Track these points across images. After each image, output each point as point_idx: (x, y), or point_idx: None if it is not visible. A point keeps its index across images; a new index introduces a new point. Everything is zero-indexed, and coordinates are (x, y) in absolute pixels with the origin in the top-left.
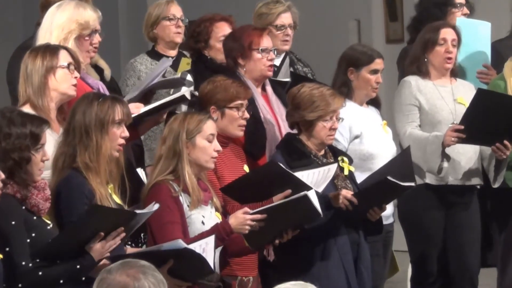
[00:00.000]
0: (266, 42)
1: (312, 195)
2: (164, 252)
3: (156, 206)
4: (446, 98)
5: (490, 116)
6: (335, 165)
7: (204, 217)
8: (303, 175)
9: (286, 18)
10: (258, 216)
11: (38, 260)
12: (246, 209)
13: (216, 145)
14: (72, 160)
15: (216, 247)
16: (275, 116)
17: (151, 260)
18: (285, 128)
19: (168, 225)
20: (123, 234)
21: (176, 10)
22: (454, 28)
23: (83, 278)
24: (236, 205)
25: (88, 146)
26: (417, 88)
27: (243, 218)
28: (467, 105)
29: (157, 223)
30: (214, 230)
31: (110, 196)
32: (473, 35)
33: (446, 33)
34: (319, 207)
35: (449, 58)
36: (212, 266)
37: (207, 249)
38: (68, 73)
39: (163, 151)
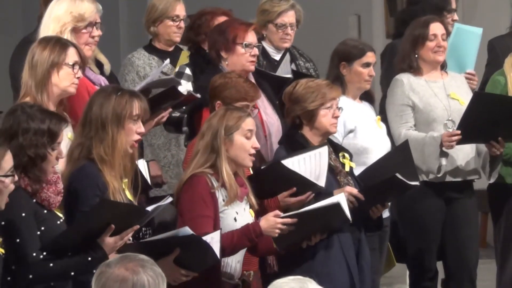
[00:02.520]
0: (250, 37)
1: (343, 202)
2: (171, 240)
3: (169, 199)
4: (439, 94)
5: (486, 116)
6: (325, 148)
7: (238, 213)
8: (294, 162)
9: (288, 17)
10: (289, 220)
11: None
12: (278, 212)
13: (254, 142)
14: (88, 152)
15: (243, 247)
16: (258, 109)
17: (158, 249)
18: (267, 122)
19: (200, 218)
20: (137, 226)
21: (180, 10)
22: (442, 22)
23: (94, 271)
24: (271, 200)
25: (104, 139)
26: (410, 86)
27: (274, 221)
28: (461, 100)
29: (189, 215)
30: (244, 230)
31: (123, 191)
32: (464, 41)
33: (436, 28)
34: (348, 214)
35: (441, 51)
36: (218, 256)
37: (212, 242)
38: (71, 72)
39: (201, 146)
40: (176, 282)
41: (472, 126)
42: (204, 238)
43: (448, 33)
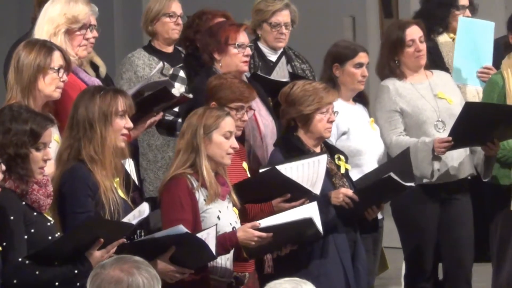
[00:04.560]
0: (242, 37)
1: (315, 214)
2: (166, 239)
3: (147, 210)
4: (426, 96)
5: (478, 123)
6: (325, 156)
7: (221, 211)
8: (292, 167)
9: (282, 16)
10: (265, 235)
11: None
12: (256, 223)
13: (233, 141)
14: (77, 153)
15: (219, 255)
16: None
17: (153, 248)
18: (262, 123)
19: (176, 222)
20: (123, 240)
21: (176, 7)
22: (417, 23)
23: (78, 284)
24: (265, 205)
25: (93, 139)
26: (396, 92)
27: (252, 233)
28: (448, 98)
29: (167, 217)
30: (220, 239)
31: (115, 190)
32: (475, 35)
33: (413, 33)
34: (321, 228)
35: (421, 55)
36: (213, 252)
37: (208, 238)
38: (56, 77)
39: (182, 145)
40: (173, 280)
41: (464, 133)
42: (200, 234)
43: None
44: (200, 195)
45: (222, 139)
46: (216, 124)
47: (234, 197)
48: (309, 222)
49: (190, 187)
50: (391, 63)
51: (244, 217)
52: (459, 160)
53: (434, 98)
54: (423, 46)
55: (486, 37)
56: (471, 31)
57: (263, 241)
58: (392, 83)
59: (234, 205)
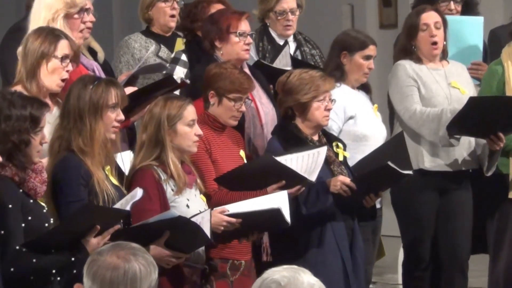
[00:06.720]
0: (244, 26)
1: (284, 207)
2: (159, 223)
3: (140, 193)
4: (440, 82)
5: (482, 116)
6: (325, 148)
7: (189, 200)
8: (292, 159)
9: (287, 3)
10: (234, 220)
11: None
12: (224, 208)
13: (196, 129)
14: (68, 143)
15: None
16: (253, 98)
17: (147, 234)
18: (263, 111)
19: (145, 212)
20: (118, 226)
21: None
22: (436, 10)
23: (74, 271)
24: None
25: (82, 131)
26: (413, 71)
27: (220, 218)
28: (461, 89)
29: (136, 208)
30: None
31: (107, 178)
32: (463, 32)
33: (428, 18)
34: (288, 219)
35: (435, 43)
36: (208, 236)
37: (203, 222)
38: (60, 66)
39: (145, 138)
40: (170, 265)
41: (469, 122)
42: (195, 218)
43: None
44: (168, 186)
45: (187, 129)
46: (180, 115)
47: (201, 185)
48: (277, 212)
49: (157, 178)
50: (407, 47)
51: (209, 204)
52: (462, 150)
53: (448, 87)
54: (438, 32)
55: (475, 33)
56: (458, 29)
57: (231, 226)
58: (408, 63)
59: (201, 192)
